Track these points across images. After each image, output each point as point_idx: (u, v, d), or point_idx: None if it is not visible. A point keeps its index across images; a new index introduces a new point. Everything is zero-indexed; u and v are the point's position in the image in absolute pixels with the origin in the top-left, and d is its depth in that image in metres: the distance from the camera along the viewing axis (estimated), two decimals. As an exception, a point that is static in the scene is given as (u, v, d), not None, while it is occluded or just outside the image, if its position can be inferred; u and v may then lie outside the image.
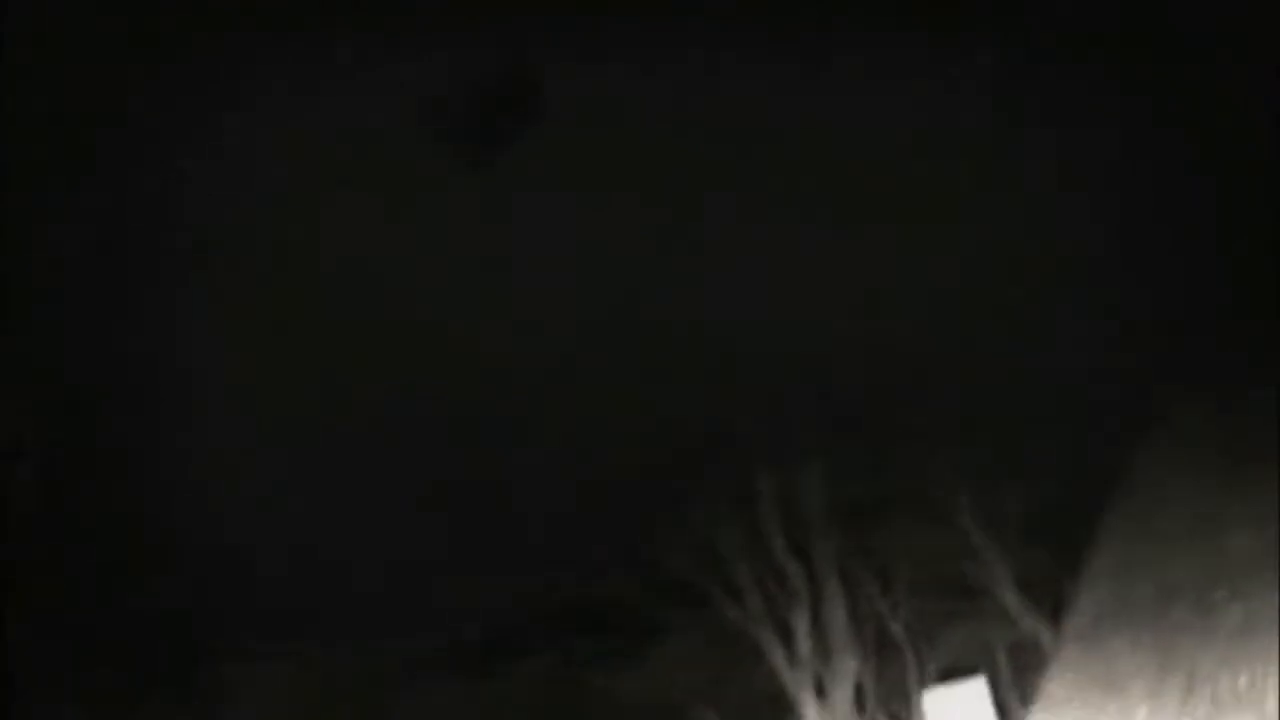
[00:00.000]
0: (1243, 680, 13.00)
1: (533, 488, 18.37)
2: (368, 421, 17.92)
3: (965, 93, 16.77)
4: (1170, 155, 16.03)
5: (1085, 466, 15.81)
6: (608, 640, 18.24)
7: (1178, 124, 16.07)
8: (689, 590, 17.77)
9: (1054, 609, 16.12)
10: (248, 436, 17.91)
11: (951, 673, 16.53)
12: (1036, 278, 16.68)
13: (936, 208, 17.17)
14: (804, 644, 17.80)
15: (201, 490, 17.53)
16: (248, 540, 17.66)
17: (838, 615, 17.81)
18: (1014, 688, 16.75)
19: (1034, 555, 17.08)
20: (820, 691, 17.71)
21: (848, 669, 17.72)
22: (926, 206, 17.15)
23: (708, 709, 17.93)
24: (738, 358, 17.72)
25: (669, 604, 17.90)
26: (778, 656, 17.81)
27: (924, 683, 17.14)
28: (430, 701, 18.34)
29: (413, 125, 17.69)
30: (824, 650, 17.77)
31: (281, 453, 17.71)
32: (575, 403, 18.09)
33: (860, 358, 17.60)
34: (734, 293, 17.71)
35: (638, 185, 17.61)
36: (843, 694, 17.65)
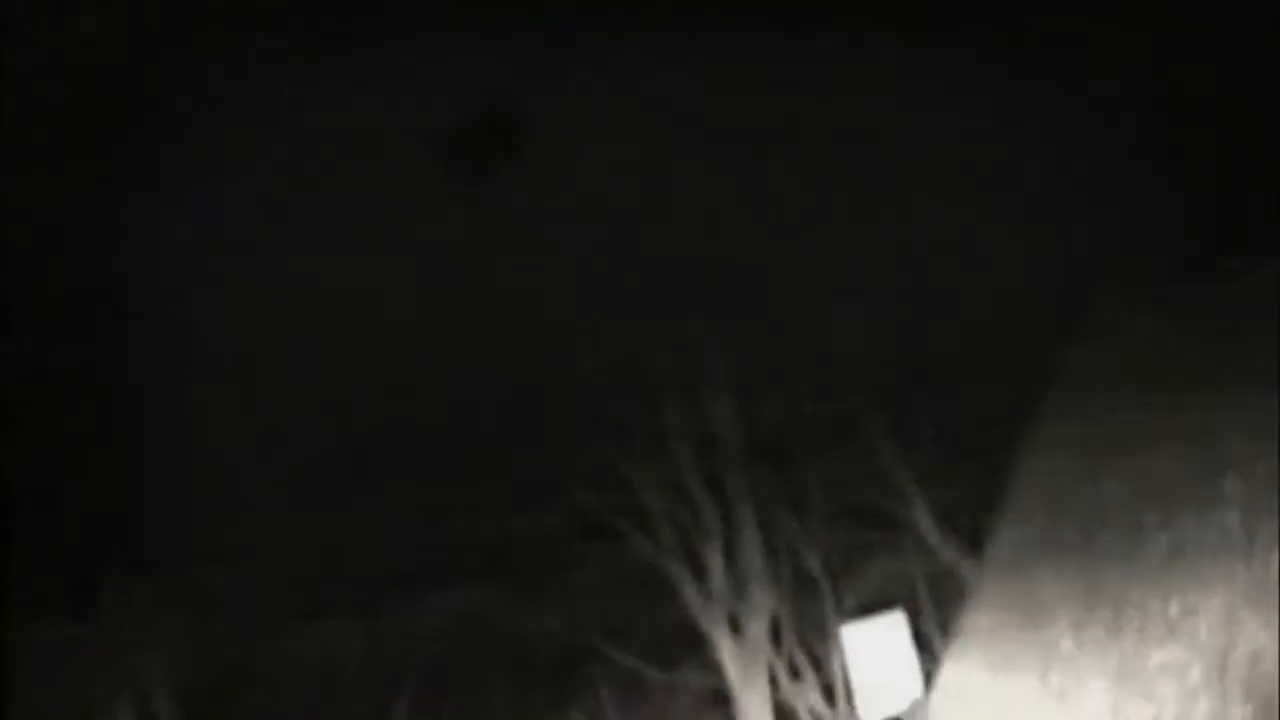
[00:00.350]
0: (1172, 609, 12.80)
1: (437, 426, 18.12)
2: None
3: (964, 91, 16.76)
4: (1171, 154, 16.06)
5: (1011, 388, 15.55)
6: (513, 577, 17.80)
7: (1179, 124, 16.12)
8: (598, 525, 17.34)
9: (975, 540, 15.81)
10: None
11: (870, 606, 16.27)
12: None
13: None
14: (717, 578, 17.41)
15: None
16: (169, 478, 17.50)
17: (752, 548, 17.43)
18: (934, 620, 16.45)
19: (954, 485, 16.78)
20: (735, 627, 17.34)
21: (763, 603, 17.35)
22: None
23: (617, 646, 17.59)
24: (655, 294, 17.53)
25: (577, 539, 17.47)
26: (690, 591, 17.42)
27: (841, 617, 16.82)
28: (330, 639, 17.93)
29: (406, 136, 17.77)
30: (738, 584, 17.40)
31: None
32: (503, 347, 17.88)
33: (779, 291, 17.38)
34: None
35: (629, 196, 17.64)
36: (758, 629, 17.28)
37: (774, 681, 17.32)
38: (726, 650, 17.26)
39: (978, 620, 14.37)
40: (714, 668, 17.37)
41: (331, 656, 18.01)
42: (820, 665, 17.42)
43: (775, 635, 17.37)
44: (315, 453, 17.95)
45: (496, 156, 17.89)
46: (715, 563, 17.42)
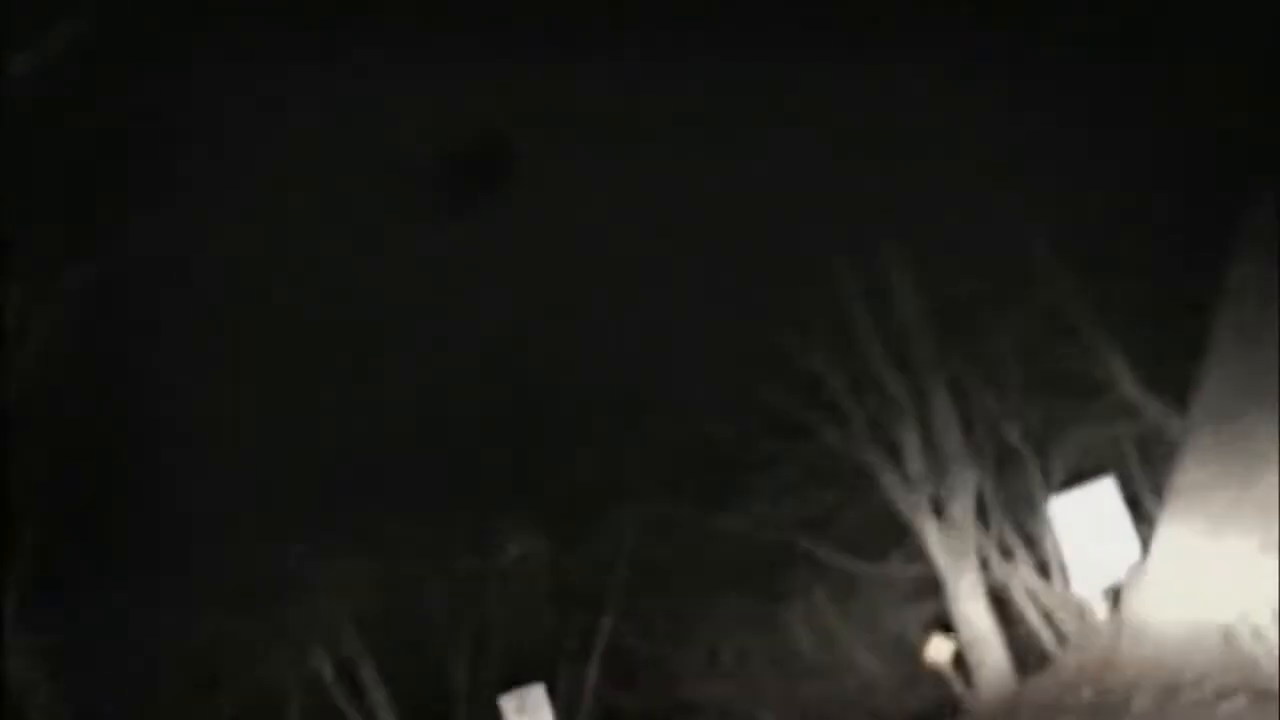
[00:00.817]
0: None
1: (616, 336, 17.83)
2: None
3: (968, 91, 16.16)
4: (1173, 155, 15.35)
5: (1193, 240, 14.73)
6: (710, 480, 17.33)
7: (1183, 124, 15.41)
8: (787, 419, 16.80)
9: (1179, 394, 15.00)
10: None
11: (1077, 475, 15.61)
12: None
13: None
14: (916, 461, 16.78)
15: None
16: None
17: (949, 426, 16.76)
18: (1146, 483, 15.71)
19: (1149, 340, 15.95)
20: (938, 510, 16.72)
21: (965, 483, 16.70)
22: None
23: (821, 539, 17.10)
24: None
25: (767, 435, 16.92)
26: (889, 478, 16.82)
27: (1049, 488, 16.15)
28: (532, 558, 17.73)
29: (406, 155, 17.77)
30: (938, 466, 16.76)
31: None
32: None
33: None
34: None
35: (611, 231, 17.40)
36: (962, 509, 16.63)
37: (984, 563, 16.71)
38: (932, 535, 16.66)
39: (1189, 478, 13.67)
40: (921, 554, 16.82)
41: (531, 575, 17.81)
42: (1031, 541, 16.79)
43: (980, 513, 16.75)
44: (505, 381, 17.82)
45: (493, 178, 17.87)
46: (911, 445, 16.81)
